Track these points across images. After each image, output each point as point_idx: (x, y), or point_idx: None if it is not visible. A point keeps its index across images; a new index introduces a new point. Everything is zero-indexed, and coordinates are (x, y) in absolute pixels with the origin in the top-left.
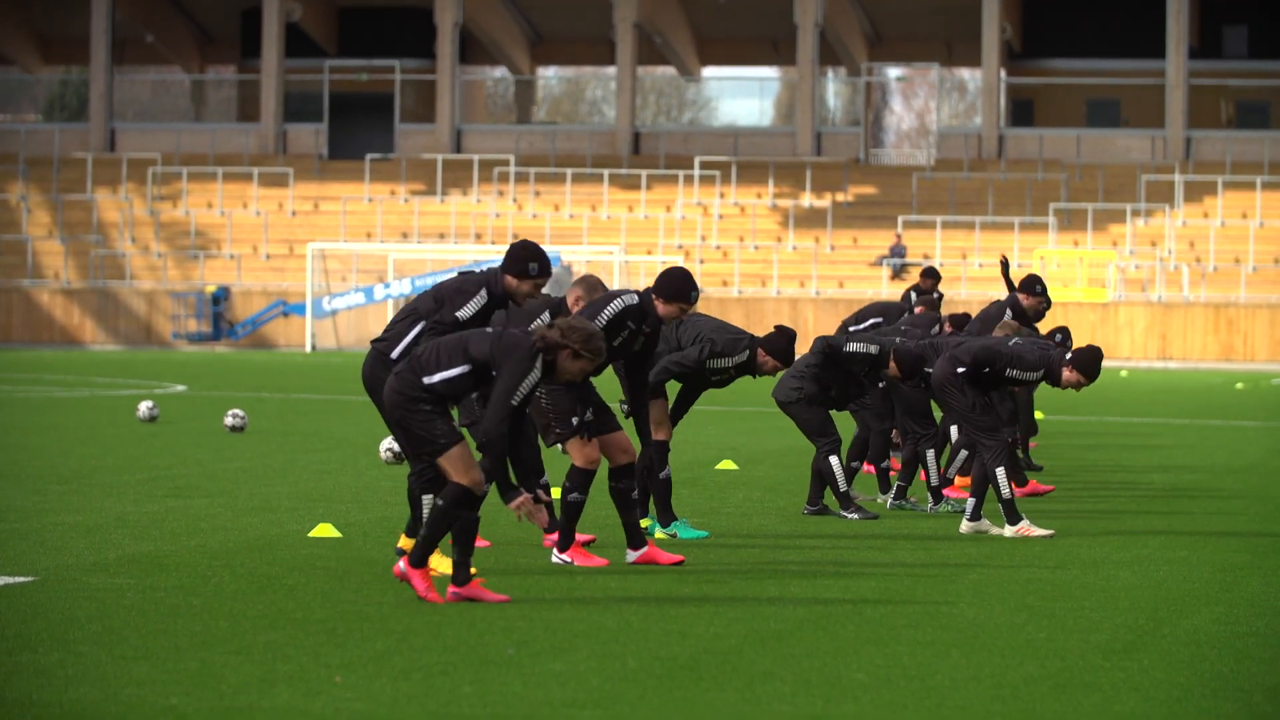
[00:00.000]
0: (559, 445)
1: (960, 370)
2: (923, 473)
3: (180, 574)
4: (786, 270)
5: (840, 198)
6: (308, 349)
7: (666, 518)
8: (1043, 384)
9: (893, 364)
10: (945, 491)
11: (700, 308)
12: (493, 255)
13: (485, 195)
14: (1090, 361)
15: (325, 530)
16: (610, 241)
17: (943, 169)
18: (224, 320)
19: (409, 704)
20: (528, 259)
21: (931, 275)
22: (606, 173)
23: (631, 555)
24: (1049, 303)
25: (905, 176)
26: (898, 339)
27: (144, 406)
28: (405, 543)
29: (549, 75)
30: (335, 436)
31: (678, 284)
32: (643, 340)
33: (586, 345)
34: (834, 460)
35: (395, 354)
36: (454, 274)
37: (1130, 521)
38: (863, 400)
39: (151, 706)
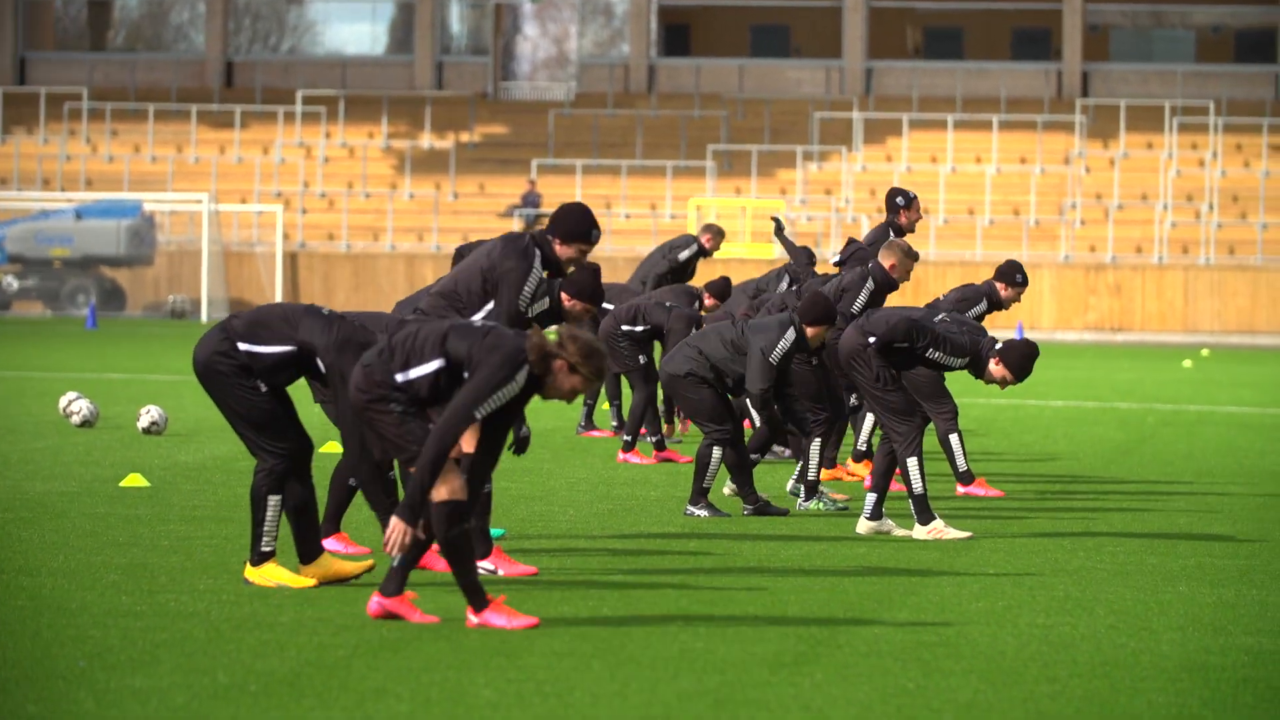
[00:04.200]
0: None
1: (871, 340)
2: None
3: None
4: (403, 221)
5: (465, 138)
6: None
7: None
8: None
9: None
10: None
11: (304, 267)
12: (63, 204)
13: (54, 135)
14: (1021, 358)
15: None
16: (199, 188)
17: (584, 105)
18: None
19: None
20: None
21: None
22: (195, 108)
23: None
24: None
25: (541, 113)
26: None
27: None
28: (253, 574)
29: None
30: None
31: (576, 220)
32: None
33: (587, 361)
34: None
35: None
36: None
37: (799, 520)
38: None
39: None
